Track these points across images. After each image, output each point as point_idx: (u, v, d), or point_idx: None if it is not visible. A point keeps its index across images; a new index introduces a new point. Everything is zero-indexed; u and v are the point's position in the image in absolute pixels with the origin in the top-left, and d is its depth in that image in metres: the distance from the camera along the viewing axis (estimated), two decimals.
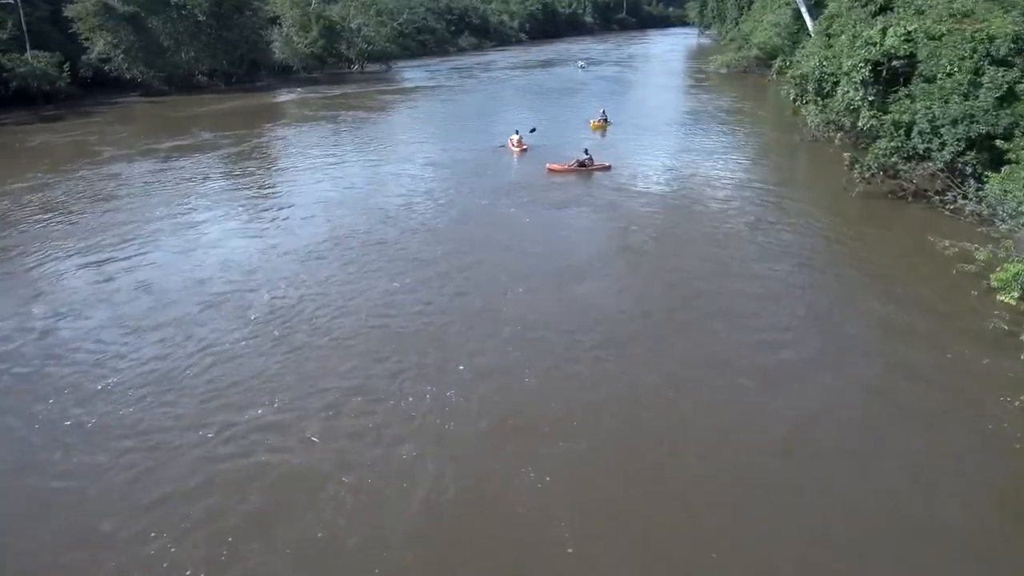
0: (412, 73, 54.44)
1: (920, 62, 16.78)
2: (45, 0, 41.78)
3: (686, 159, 22.40)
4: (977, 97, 14.42)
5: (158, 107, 38.22)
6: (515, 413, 8.71)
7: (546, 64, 59.86)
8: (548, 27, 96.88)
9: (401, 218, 16.68)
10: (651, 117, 31.05)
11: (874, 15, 21.79)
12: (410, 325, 11.07)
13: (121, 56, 41.27)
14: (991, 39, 14.83)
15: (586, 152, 20.93)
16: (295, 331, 10.93)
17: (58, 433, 8.58)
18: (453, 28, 77.20)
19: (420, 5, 73.99)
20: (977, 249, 11.56)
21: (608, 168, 20.88)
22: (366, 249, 14.57)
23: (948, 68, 15.39)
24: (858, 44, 18.59)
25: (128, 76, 42.10)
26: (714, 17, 70.94)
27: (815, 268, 13.21)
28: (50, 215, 17.70)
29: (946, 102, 14.93)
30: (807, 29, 34.44)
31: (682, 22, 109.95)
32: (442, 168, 21.97)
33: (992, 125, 14.01)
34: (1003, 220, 12.69)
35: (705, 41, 79.59)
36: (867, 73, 17.86)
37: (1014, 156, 13.31)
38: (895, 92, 17.28)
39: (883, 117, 16.89)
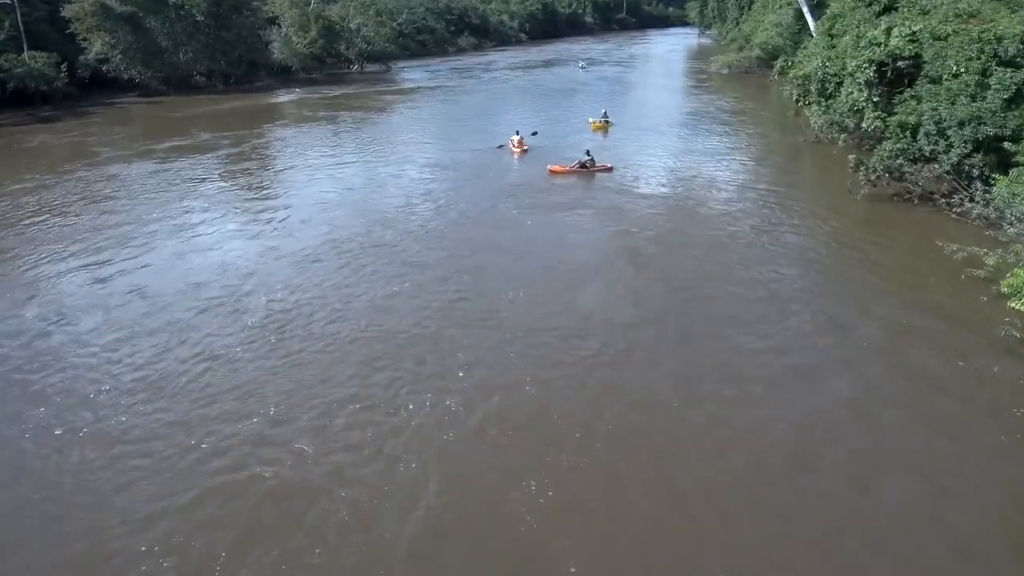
0: (412, 73, 54.24)
1: (925, 63, 16.59)
2: (43, 0, 41.58)
3: (688, 160, 22.20)
4: (984, 98, 14.21)
5: (156, 107, 38.01)
6: (516, 423, 8.51)
7: (546, 64, 59.66)
8: (548, 27, 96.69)
9: (400, 220, 16.49)
10: (653, 118, 30.85)
11: (878, 15, 21.57)
12: (409, 331, 10.87)
13: (119, 56, 41.07)
14: (999, 39, 14.62)
15: (588, 153, 20.74)
16: (291, 337, 10.73)
17: (50, 440, 8.42)
18: (453, 28, 76.99)
19: (420, 5, 73.79)
20: (986, 254, 11.35)
21: (610, 169, 20.69)
22: (364, 252, 14.38)
23: (954, 69, 15.19)
24: (862, 44, 18.40)
25: (126, 76, 41.91)
26: (714, 17, 70.78)
27: (821, 272, 13.02)
28: (46, 217, 17.51)
29: (953, 103, 14.72)
30: (809, 29, 34.26)
31: (682, 22, 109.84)
32: (442, 169, 21.77)
33: (1000, 127, 13.81)
34: (1011, 224, 12.50)
35: (705, 41, 79.41)
36: (871, 74, 17.67)
37: (1022, 159, 13.11)
38: (900, 93, 17.09)
39: (888, 119, 16.70)
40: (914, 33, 17.12)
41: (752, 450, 7.92)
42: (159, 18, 41.75)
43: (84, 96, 40.17)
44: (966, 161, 14.45)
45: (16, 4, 37.77)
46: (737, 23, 57.27)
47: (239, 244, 15.20)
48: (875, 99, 17.86)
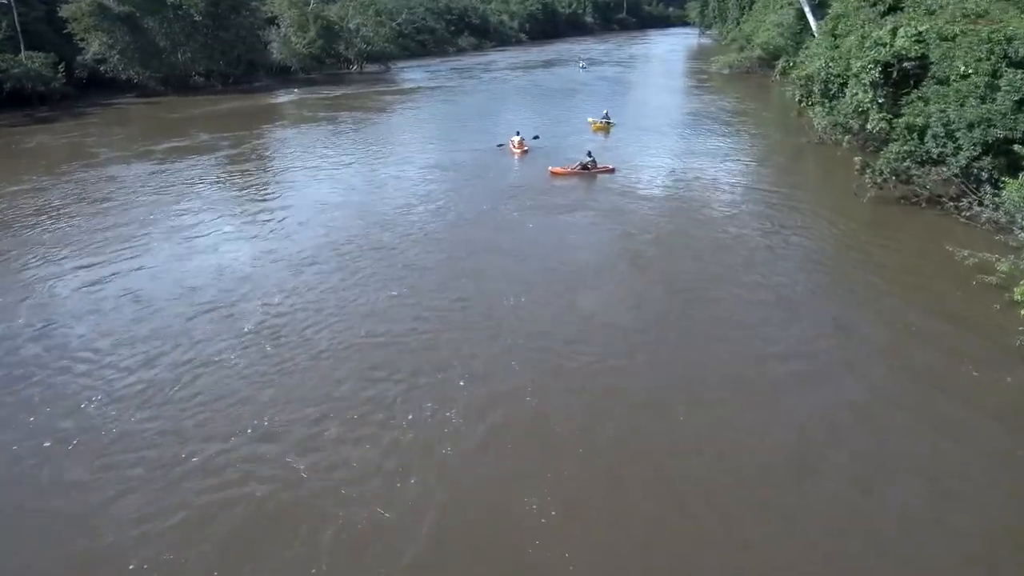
0: (411, 73, 53.99)
1: (932, 63, 16.36)
2: (40, 0, 41.32)
3: (691, 162, 21.96)
4: (994, 100, 13.93)
5: (154, 108, 37.75)
6: (517, 435, 8.28)
7: (546, 64, 59.41)
8: (548, 27, 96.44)
9: (400, 223, 16.25)
10: (654, 118, 30.61)
11: (883, 15, 21.36)
12: (408, 337, 10.64)
13: (117, 57, 40.79)
14: (1009, 40, 14.37)
15: (589, 155, 20.51)
16: (286, 343, 10.49)
17: (39, 448, 8.23)
18: (453, 28, 76.72)
19: (419, 5, 73.52)
20: (998, 260, 11.11)
21: (612, 171, 20.46)
22: (363, 255, 14.15)
23: (963, 70, 14.94)
24: (867, 45, 18.18)
25: (124, 77, 41.62)
26: (715, 17, 70.57)
27: (828, 277, 12.78)
28: (43, 218, 17.28)
29: (962, 105, 14.46)
30: (811, 29, 34.06)
31: (682, 22, 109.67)
32: (442, 170, 21.53)
33: (1010, 129, 13.54)
34: (1022, 229, 12.27)
35: (706, 41, 79.19)
36: (877, 75, 17.46)
37: None
38: (906, 94, 16.86)
39: (894, 120, 16.47)
40: (920, 33, 16.90)
41: (756, 453, 7.81)
42: (157, 18, 41.47)
43: (82, 96, 39.89)
44: (975, 164, 14.18)
45: (13, 4, 37.52)
46: (738, 23, 57.06)
47: (236, 247, 14.96)
48: (880, 100, 17.65)
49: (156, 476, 7.66)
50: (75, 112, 35.99)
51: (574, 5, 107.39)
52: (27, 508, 7.35)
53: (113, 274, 13.52)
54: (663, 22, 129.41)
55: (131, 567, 6.46)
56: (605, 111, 28.76)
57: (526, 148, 23.44)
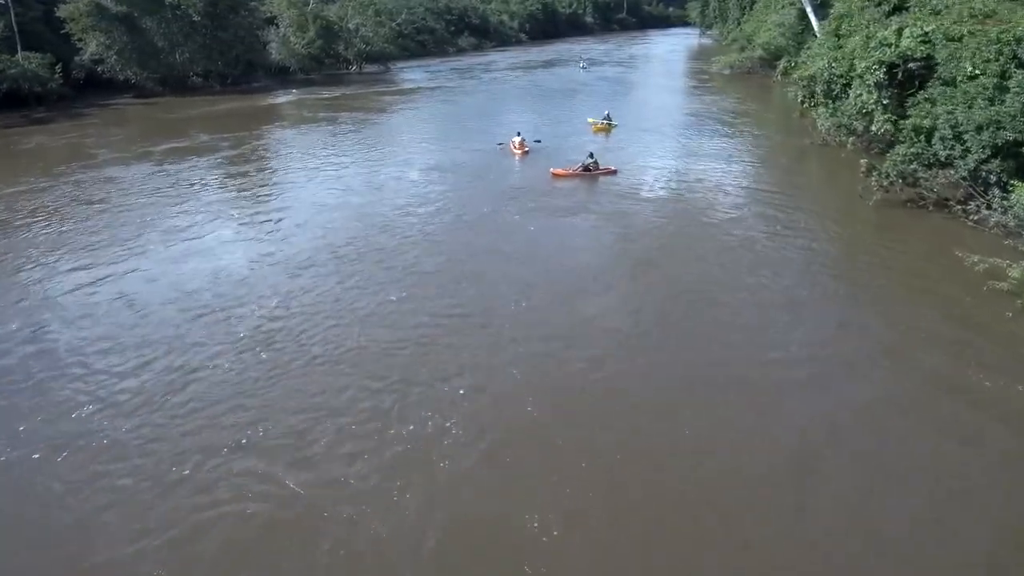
0: (411, 74, 53.74)
1: (938, 64, 16.15)
2: (38, 0, 41.06)
3: (693, 163, 21.74)
4: (1003, 102, 13.70)
5: (152, 109, 37.50)
6: (518, 444, 8.08)
7: (547, 64, 59.18)
8: (548, 27, 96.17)
9: (399, 225, 16.02)
10: (655, 119, 30.38)
11: (888, 15, 21.15)
12: (407, 344, 10.41)
13: (114, 57, 40.49)
14: (1019, 41, 14.15)
15: (591, 156, 20.29)
16: (283, 351, 10.27)
17: (30, 455, 8.05)
18: (452, 28, 76.44)
19: (419, 5, 73.25)
20: (1009, 266, 10.89)
21: (614, 172, 20.25)
22: (361, 258, 13.94)
23: (971, 71, 14.72)
24: (872, 45, 17.98)
25: (122, 77, 41.30)
26: (715, 17, 70.30)
27: (834, 281, 12.55)
28: (38, 220, 17.05)
29: (970, 107, 14.22)
30: (812, 29, 33.86)
31: (683, 22, 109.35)
32: (442, 172, 21.30)
33: (1020, 132, 13.30)
34: None
35: (706, 41, 78.96)
36: (881, 75, 17.25)
37: None
38: (911, 95, 16.64)
39: (900, 122, 16.26)
40: (926, 34, 16.70)
41: (757, 454, 7.73)
42: (155, 18, 41.18)
43: (79, 97, 39.57)
44: (983, 167, 13.92)
45: (10, 4, 37.28)
46: (739, 23, 56.82)
47: (233, 249, 14.74)
48: (885, 101, 17.44)
49: (145, 488, 7.45)
50: (72, 113, 35.73)
51: (574, 5, 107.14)
52: (14, 513, 7.18)
53: (108, 277, 13.30)
54: (663, 22, 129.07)
55: None
56: (606, 112, 28.54)
57: (527, 149, 23.22)
